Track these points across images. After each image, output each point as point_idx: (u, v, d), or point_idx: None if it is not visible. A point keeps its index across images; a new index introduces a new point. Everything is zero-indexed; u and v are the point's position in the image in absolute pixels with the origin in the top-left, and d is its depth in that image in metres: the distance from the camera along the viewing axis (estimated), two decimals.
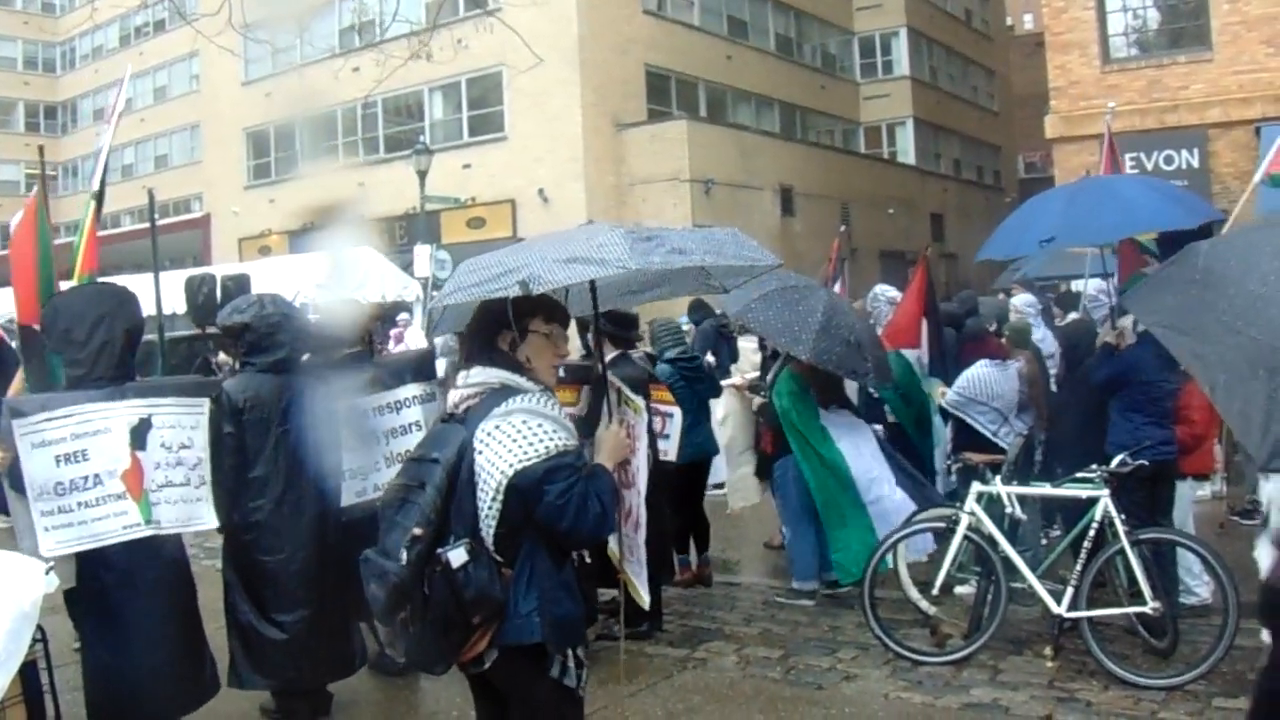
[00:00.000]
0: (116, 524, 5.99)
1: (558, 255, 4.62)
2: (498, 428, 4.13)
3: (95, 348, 6.18)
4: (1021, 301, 12.46)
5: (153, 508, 6.10)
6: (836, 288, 14.73)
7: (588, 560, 4.52)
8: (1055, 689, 7.42)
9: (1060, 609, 7.74)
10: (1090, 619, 7.67)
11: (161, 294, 13.03)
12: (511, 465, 4.06)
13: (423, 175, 30.02)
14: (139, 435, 6.10)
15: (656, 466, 9.24)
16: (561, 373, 8.52)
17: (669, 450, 9.56)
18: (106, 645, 6.18)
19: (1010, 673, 7.77)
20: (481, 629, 4.12)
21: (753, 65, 43.65)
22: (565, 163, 34.66)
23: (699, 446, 10.21)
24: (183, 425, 6.30)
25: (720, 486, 11.85)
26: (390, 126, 40.56)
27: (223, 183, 46.00)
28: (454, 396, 4.39)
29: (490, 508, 4.11)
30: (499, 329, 4.39)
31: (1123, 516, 7.65)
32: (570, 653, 4.27)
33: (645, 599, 5.58)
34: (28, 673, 5.32)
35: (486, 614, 4.09)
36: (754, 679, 7.95)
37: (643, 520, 5.36)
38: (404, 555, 4.05)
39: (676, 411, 9.68)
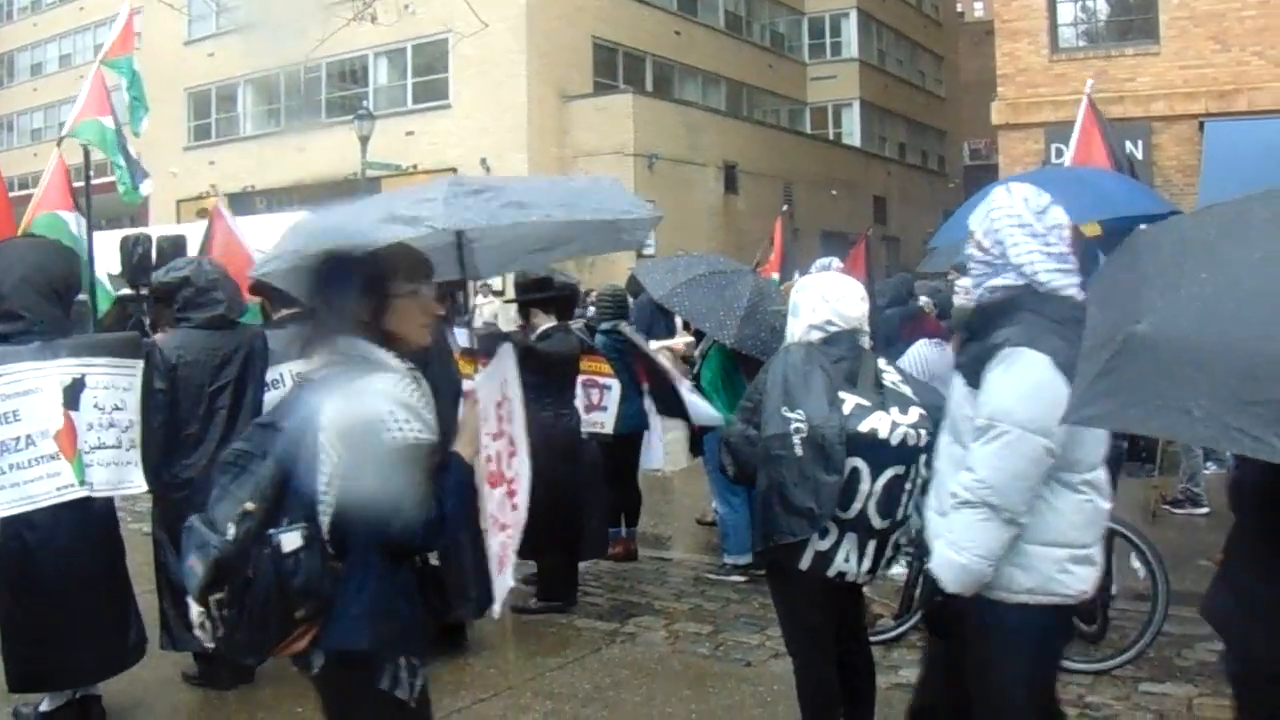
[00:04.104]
0: (50, 485, 5.86)
1: (377, 214, 4.37)
2: (348, 407, 3.70)
3: (23, 304, 6.03)
4: (963, 285, 12.47)
5: (86, 469, 5.96)
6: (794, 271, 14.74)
7: (432, 562, 4.06)
8: None
9: None
10: None
11: (96, 253, 12.83)
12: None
13: (365, 141, 29.81)
14: (72, 395, 5.96)
15: (592, 440, 9.22)
16: (473, 343, 8.48)
17: (605, 423, 9.49)
18: (25, 606, 6.05)
19: None
20: (304, 625, 3.69)
21: (701, 42, 43.64)
22: (509, 132, 34.50)
23: (632, 419, 10.14)
24: (116, 386, 6.17)
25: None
26: (333, 91, 40.21)
27: (162, 143, 45.37)
28: (313, 364, 3.94)
29: (327, 493, 3.68)
30: (359, 296, 3.93)
31: None
32: (403, 661, 3.86)
33: (496, 609, 5.21)
34: None
35: (311, 609, 3.67)
36: (682, 655, 7.90)
37: (510, 518, 5.00)
38: (231, 530, 3.63)
39: (615, 384, 9.61)
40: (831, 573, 5.11)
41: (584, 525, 8.91)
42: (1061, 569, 4.07)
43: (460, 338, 8.39)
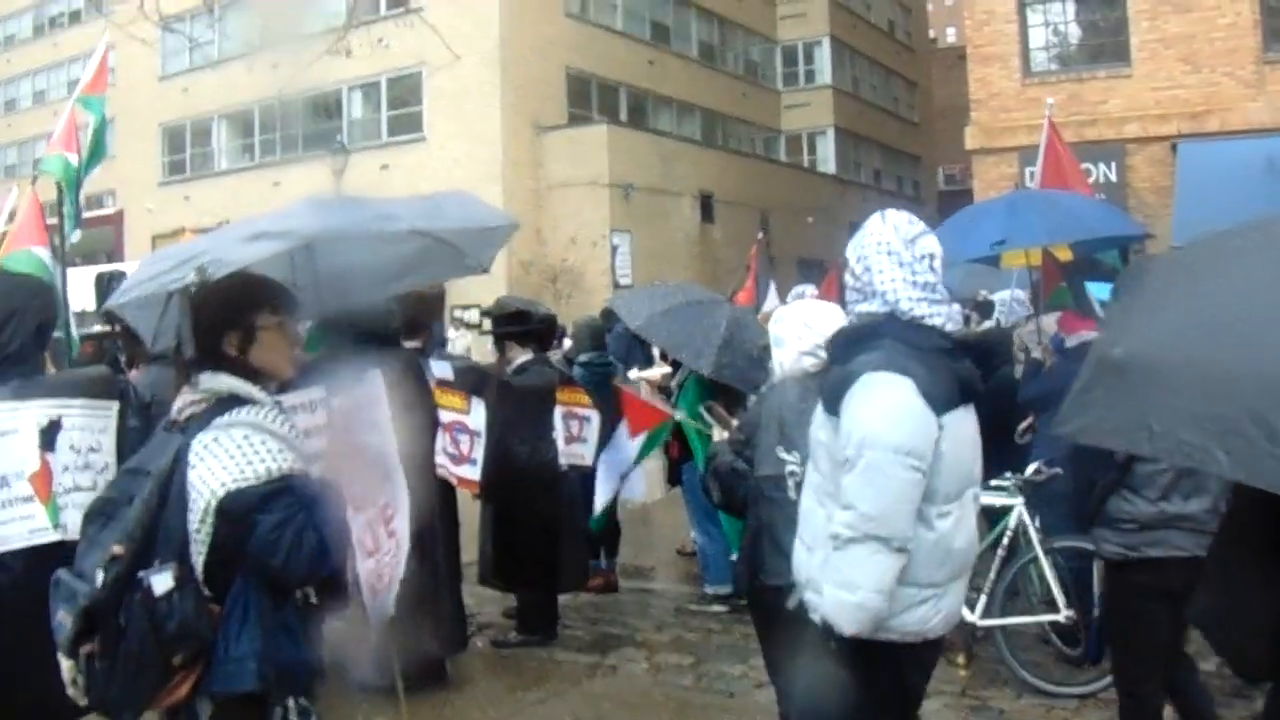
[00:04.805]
0: (23, 528, 5.76)
1: (241, 233, 4.22)
2: (215, 440, 3.58)
3: (4, 343, 5.96)
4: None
5: (60, 511, 5.86)
6: (770, 294, 14.73)
7: (312, 600, 3.81)
8: (968, 697, 7.40)
9: (973, 616, 7.71)
10: (1003, 627, 7.66)
11: (69, 291, 12.76)
12: (223, 484, 3.50)
13: (339, 174, 29.75)
14: (48, 436, 5.86)
15: (572, 471, 9.18)
16: (450, 375, 8.43)
17: (585, 455, 9.46)
18: None
19: None
20: (183, 672, 3.50)
21: (675, 71, 43.75)
22: (483, 165, 34.44)
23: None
24: (92, 428, 6.08)
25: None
26: (308, 124, 40.19)
27: (137, 179, 45.31)
28: (178, 403, 3.81)
29: (199, 531, 3.54)
30: (223, 330, 3.83)
31: (1036, 524, 7.65)
32: (292, 703, 3.67)
33: (372, 636, 5.10)
34: None
35: (189, 654, 3.48)
36: (665, 686, 7.88)
37: (385, 545, 4.91)
38: (99, 577, 3.48)
39: (594, 415, 9.57)
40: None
41: (563, 557, 8.86)
42: (907, 607, 3.94)
43: (437, 369, 8.35)
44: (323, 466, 3.94)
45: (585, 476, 9.45)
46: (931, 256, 4.13)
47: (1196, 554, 5.51)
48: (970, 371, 4.08)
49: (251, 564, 3.56)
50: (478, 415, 8.37)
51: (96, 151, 10.92)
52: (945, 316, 4.09)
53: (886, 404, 3.86)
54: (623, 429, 8.85)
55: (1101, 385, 3.12)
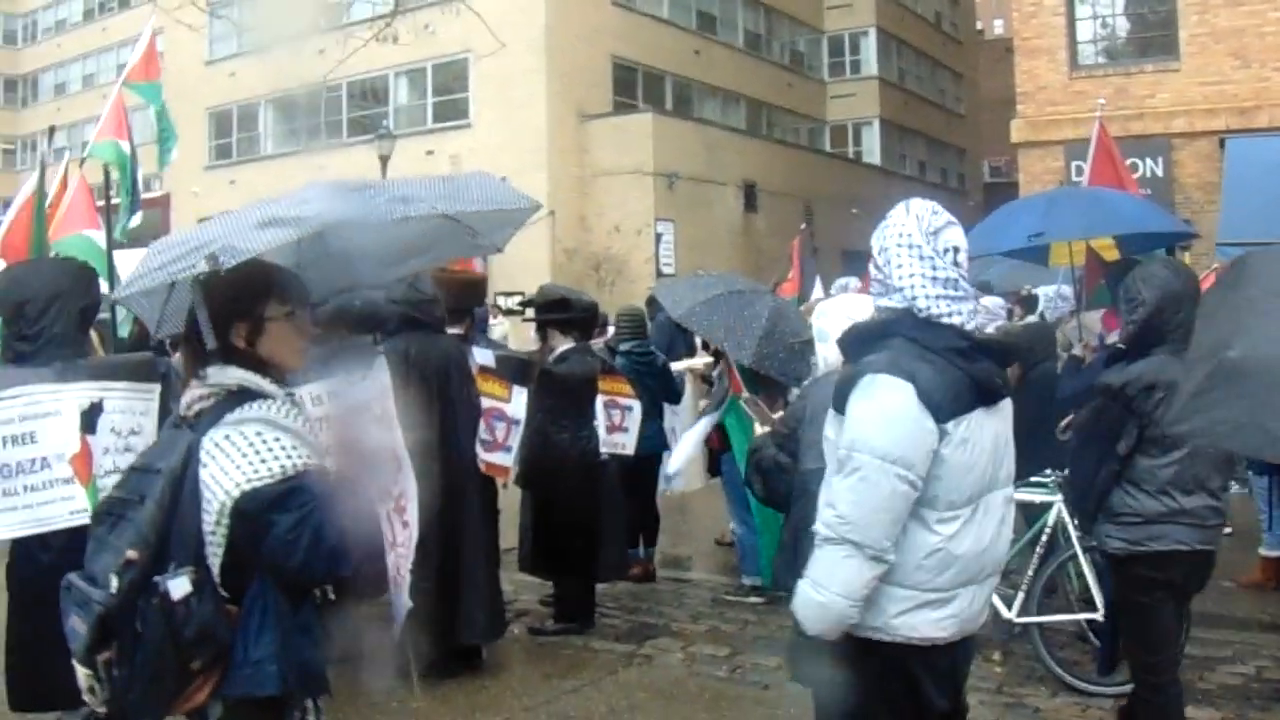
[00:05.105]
0: (63, 509, 5.83)
1: (253, 219, 4.04)
2: (227, 438, 3.47)
3: (47, 325, 6.03)
4: (992, 304, 12.44)
5: (99, 493, 5.92)
6: (816, 286, 14.72)
7: (331, 597, 3.70)
8: (1004, 694, 7.36)
9: (1010, 614, 7.68)
10: (1040, 625, 7.63)
11: (117, 274, 12.83)
12: (238, 485, 3.39)
13: (385, 160, 29.85)
14: (89, 419, 5.93)
15: (612, 460, 9.19)
16: (492, 362, 8.45)
17: (626, 444, 9.48)
18: (33, 625, 6.03)
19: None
20: (202, 676, 3.42)
21: (720, 60, 43.66)
22: (529, 152, 34.46)
23: (651, 440, 10.12)
24: (133, 410, 6.14)
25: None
26: (354, 110, 40.32)
27: (183, 162, 45.49)
28: (186, 398, 3.69)
29: (215, 533, 3.44)
30: (231, 321, 3.70)
31: (1075, 522, 7.61)
32: (312, 704, 3.65)
33: (397, 630, 5.09)
34: None
35: (208, 659, 3.40)
36: (699, 677, 7.86)
37: (401, 536, 4.87)
38: (114, 582, 3.36)
39: (635, 404, 9.59)
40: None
41: (602, 546, 8.90)
42: (906, 610, 3.83)
43: (480, 357, 8.38)
44: (338, 459, 3.80)
45: (625, 465, 9.48)
46: (955, 250, 3.95)
47: (1197, 547, 5.58)
48: (988, 372, 3.90)
49: (268, 564, 3.46)
50: (518, 403, 8.39)
51: (167, 140, 11.07)
52: (965, 315, 3.91)
53: (880, 408, 3.76)
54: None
55: (1219, 387, 3.13)
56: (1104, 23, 23.81)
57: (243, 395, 3.58)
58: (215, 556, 3.44)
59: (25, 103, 65.20)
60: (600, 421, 9.16)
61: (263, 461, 3.42)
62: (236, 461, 3.42)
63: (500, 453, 8.36)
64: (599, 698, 7.46)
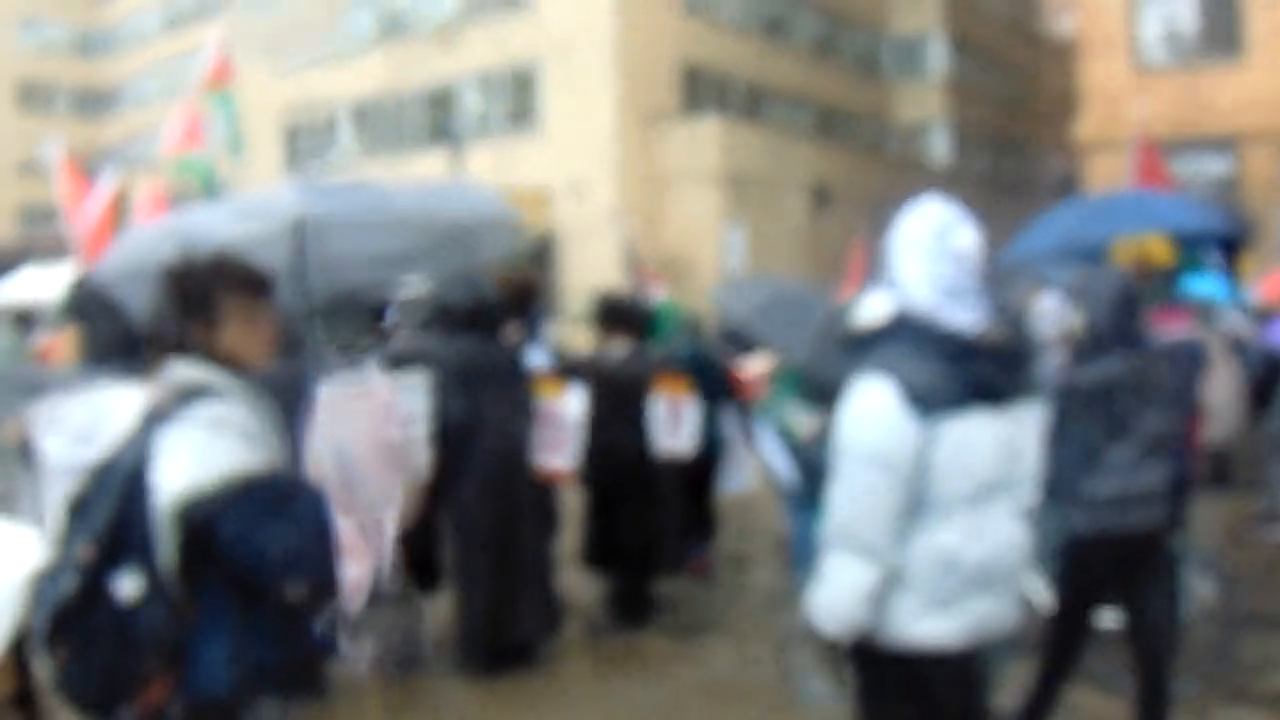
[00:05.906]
0: None
1: (233, 210, 4.08)
2: (176, 437, 3.41)
3: (127, 330, 6.20)
4: (1051, 304, 12.37)
5: None
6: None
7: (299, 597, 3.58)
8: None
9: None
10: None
11: None
12: (182, 487, 3.34)
13: (455, 167, 30.06)
14: None
15: (669, 459, 9.28)
16: (547, 364, 8.57)
17: (683, 443, 9.56)
18: None
19: (998, 674, 7.70)
20: (158, 676, 3.38)
21: (787, 64, 43.60)
22: (598, 156, 34.59)
23: (709, 439, 10.20)
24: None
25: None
26: (424, 118, 40.62)
27: (256, 171, 46.10)
28: (152, 395, 3.62)
29: (165, 534, 3.36)
30: (190, 314, 3.63)
31: None
32: (267, 705, 3.60)
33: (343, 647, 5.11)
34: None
35: (161, 660, 3.37)
36: (751, 677, 7.90)
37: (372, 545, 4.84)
38: (68, 579, 3.36)
39: (692, 404, 9.66)
40: None
41: (658, 544, 9.00)
42: (915, 617, 3.81)
43: (536, 358, 8.51)
44: (334, 462, 3.86)
45: (682, 465, 9.56)
46: (963, 252, 3.92)
47: (1150, 529, 5.79)
48: (988, 372, 3.84)
49: (219, 566, 3.41)
50: (573, 405, 8.50)
51: (237, 145, 11.33)
52: (966, 315, 3.86)
53: (859, 410, 3.78)
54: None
55: None
56: (1170, 21, 23.62)
57: (200, 392, 3.52)
58: (167, 557, 3.38)
59: (104, 114, 66.21)
60: (658, 421, 9.23)
61: (207, 463, 3.36)
62: (181, 463, 3.36)
63: (557, 455, 8.47)
64: (650, 695, 7.53)
